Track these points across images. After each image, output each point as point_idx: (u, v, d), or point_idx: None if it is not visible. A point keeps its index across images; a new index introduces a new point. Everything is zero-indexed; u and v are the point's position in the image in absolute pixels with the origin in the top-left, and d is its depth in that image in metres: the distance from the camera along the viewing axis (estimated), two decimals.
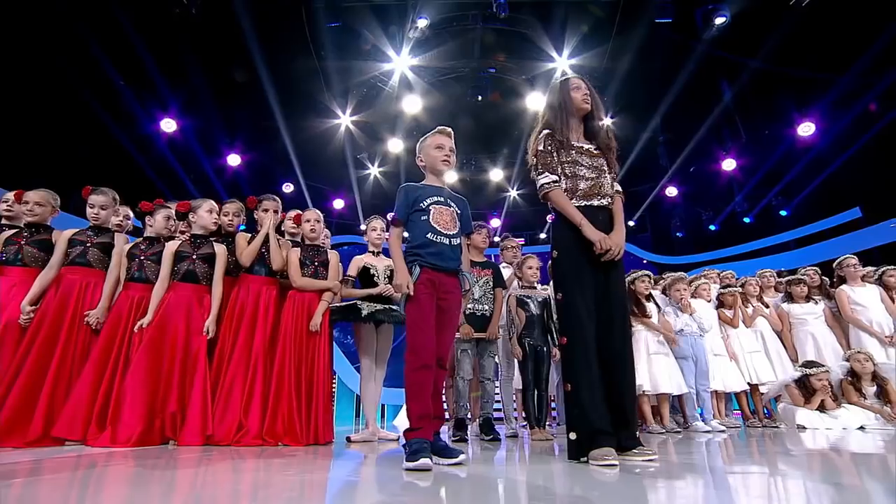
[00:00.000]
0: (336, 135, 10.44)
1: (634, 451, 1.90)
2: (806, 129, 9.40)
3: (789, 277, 4.99)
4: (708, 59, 8.54)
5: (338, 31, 8.02)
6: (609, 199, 2.22)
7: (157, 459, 2.04)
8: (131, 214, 3.53)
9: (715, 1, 7.49)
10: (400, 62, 8.83)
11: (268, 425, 2.77)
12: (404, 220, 2.13)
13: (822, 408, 4.11)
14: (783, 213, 10.78)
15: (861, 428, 3.89)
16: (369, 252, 3.52)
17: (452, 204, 2.20)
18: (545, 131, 2.25)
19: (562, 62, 8.82)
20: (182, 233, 3.26)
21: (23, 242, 2.89)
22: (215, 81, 8.44)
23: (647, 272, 4.41)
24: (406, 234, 2.19)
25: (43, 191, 2.98)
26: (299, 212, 3.46)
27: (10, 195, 3.03)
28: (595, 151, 2.26)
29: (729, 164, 10.79)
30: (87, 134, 7.29)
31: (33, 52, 6.46)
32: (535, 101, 9.53)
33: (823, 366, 4.10)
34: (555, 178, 2.16)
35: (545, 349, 3.48)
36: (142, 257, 2.98)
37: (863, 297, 4.52)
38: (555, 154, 2.20)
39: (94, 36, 6.77)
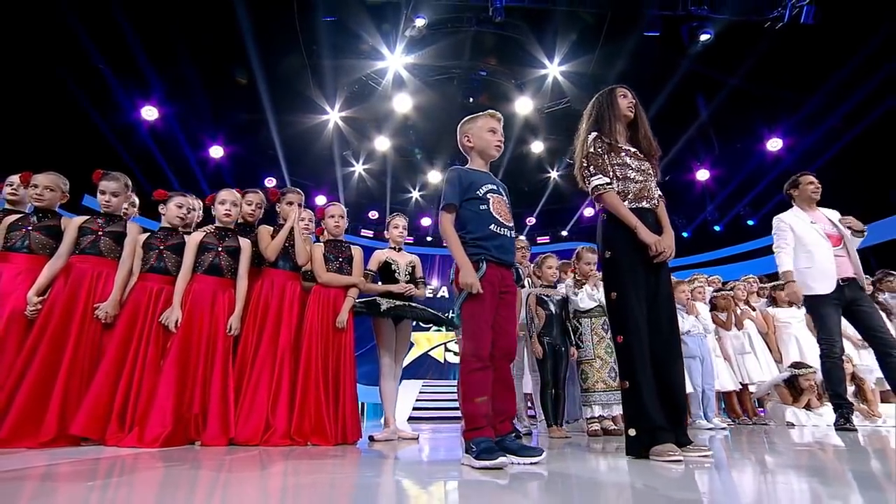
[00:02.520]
0: (324, 131, 10.23)
1: (689, 447, 1.96)
2: (774, 144, 10.00)
3: (773, 283, 5.28)
4: (687, 74, 8.93)
5: (332, 26, 7.87)
6: (655, 202, 2.30)
7: (183, 461, 1.94)
8: (136, 201, 3.35)
9: (701, 18, 7.85)
10: (393, 60, 8.75)
11: (295, 424, 2.69)
12: (458, 206, 1.98)
13: (807, 406, 4.37)
14: (750, 222, 11.38)
15: None
16: (390, 248, 3.48)
17: (503, 193, 2.11)
18: (593, 134, 2.30)
19: (552, 69, 8.99)
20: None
21: (30, 228, 2.68)
22: (201, 70, 8.10)
23: None
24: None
25: (52, 174, 2.77)
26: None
27: (16, 178, 2.81)
28: (641, 155, 2.33)
29: (702, 175, 11.31)
30: (63, 118, 6.84)
31: (8, 29, 6.01)
32: (524, 106, 9.67)
33: (811, 367, 4.36)
34: (607, 179, 2.21)
35: (563, 348, 3.54)
36: (161, 247, 2.83)
37: None
38: (605, 156, 2.25)
39: (75, 16, 6.37)
